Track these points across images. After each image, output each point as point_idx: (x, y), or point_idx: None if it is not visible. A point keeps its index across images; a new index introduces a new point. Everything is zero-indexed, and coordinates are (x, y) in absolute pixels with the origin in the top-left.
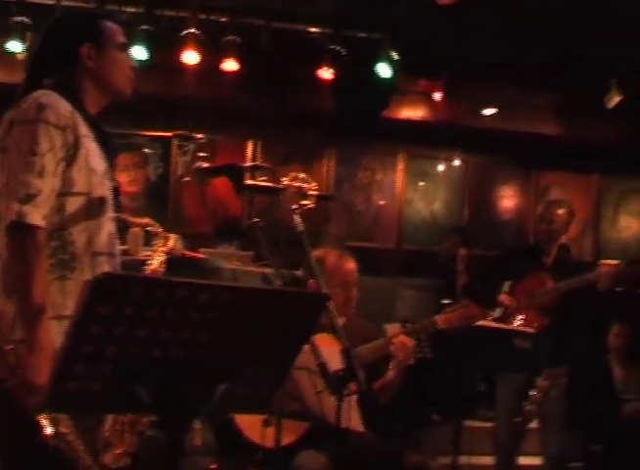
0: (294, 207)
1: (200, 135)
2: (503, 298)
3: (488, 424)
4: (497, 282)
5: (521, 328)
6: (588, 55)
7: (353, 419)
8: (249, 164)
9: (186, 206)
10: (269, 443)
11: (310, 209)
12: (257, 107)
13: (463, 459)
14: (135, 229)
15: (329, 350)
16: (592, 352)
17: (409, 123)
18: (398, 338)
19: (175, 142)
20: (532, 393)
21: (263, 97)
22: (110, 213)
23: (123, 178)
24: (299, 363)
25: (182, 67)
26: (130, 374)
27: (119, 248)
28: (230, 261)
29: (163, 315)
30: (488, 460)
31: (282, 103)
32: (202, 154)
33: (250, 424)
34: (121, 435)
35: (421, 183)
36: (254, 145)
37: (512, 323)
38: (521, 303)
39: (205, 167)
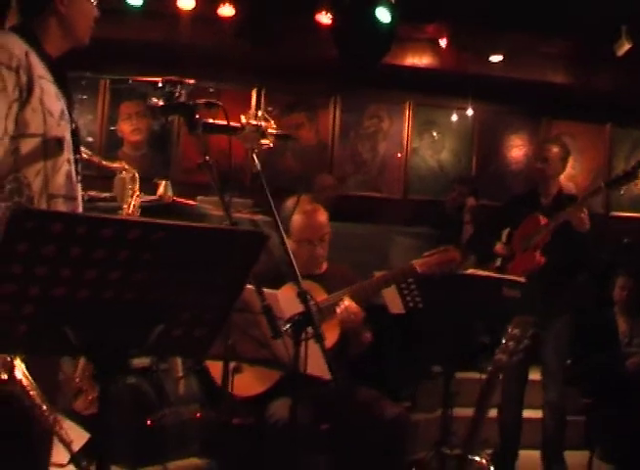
0: (253, 146)
1: (191, 80)
2: (498, 247)
3: None
4: (499, 232)
5: (510, 276)
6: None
7: (317, 365)
8: (202, 101)
9: (188, 155)
10: (242, 391)
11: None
12: (260, 55)
13: (463, 411)
14: (121, 175)
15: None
16: (597, 305)
17: (415, 71)
18: (344, 303)
19: (166, 88)
20: (503, 341)
21: (264, 44)
22: (68, 155)
23: (126, 127)
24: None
25: (179, 13)
26: (56, 315)
27: (105, 194)
28: (219, 208)
29: (88, 254)
30: (490, 413)
31: (284, 50)
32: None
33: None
34: (93, 381)
35: (434, 133)
36: (258, 94)
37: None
38: (517, 247)
39: (160, 106)
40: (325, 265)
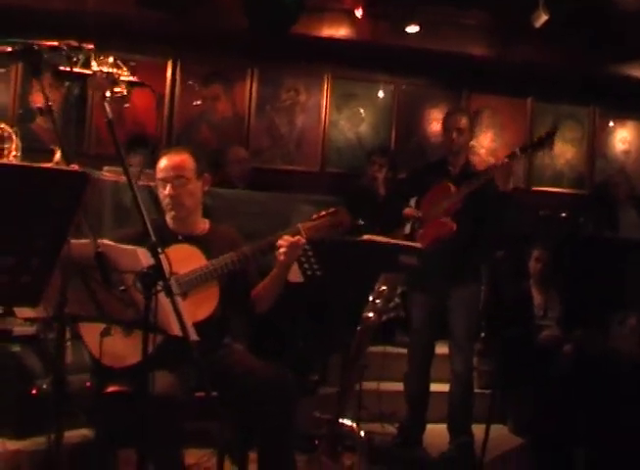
0: (107, 94)
1: (90, 46)
2: (407, 210)
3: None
4: (408, 200)
5: (407, 243)
6: None
7: (172, 321)
8: (47, 43)
9: (103, 127)
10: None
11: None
12: (172, 25)
13: (373, 385)
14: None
15: (184, 258)
16: (513, 277)
17: (332, 42)
18: (284, 237)
19: (64, 52)
20: (370, 299)
21: (172, 13)
22: None
23: (40, 99)
24: (127, 267)
25: None
26: None
27: None
28: (118, 175)
29: None
30: (399, 386)
31: (197, 20)
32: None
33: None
34: None
35: (361, 110)
36: (174, 65)
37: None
38: (426, 212)
39: (7, 52)
40: (207, 226)
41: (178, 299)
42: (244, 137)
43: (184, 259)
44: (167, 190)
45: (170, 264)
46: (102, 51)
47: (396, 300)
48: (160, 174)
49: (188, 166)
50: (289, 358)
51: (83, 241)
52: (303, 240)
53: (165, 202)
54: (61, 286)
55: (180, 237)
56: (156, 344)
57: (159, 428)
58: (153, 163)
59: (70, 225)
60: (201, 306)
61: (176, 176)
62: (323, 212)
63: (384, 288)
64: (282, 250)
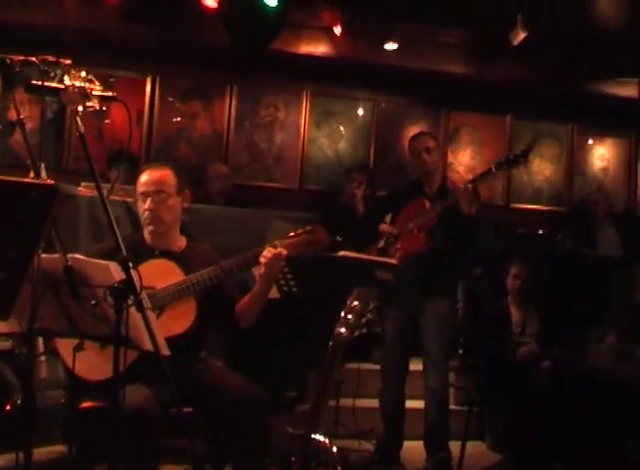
0: (79, 108)
1: (67, 61)
2: (382, 227)
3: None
4: (384, 217)
5: (382, 259)
6: None
7: (144, 336)
8: (20, 58)
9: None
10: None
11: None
12: (153, 40)
13: (350, 402)
14: None
15: (161, 273)
16: (491, 294)
17: (311, 59)
18: (265, 250)
19: (41, 68)
20: (342, 314)
21: (153, 28)
22: None
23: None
24: (99, 281)
25: None
26: None
27: None
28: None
29: None
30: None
31: (176, 36)
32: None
33: (69, 354)
34: None
35: (341, 128)
36: (153, 81)
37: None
38: (401, 228)
39: None
40: (184, 243)
41: (150, 313)
42: (223, 154)
43: (161, 274)
44: (147, 204)
45: (141, 279)
46: (81, 66)
47: (369, 315)
48: (140, 188)
49: (169, 182)
50: (266, 375)
51: (54, 255)
52: (285, 252)
53: (144, 216)
54: (31, 301)
55: (157, 252)
56: (131, 358)
57: (133, 442)
58: (133, 178)
59: (41, 238)
60: (178, 321)
61: (157, 191)
62: (300, 230)
63: (356, 303)
64: (263, 261)
